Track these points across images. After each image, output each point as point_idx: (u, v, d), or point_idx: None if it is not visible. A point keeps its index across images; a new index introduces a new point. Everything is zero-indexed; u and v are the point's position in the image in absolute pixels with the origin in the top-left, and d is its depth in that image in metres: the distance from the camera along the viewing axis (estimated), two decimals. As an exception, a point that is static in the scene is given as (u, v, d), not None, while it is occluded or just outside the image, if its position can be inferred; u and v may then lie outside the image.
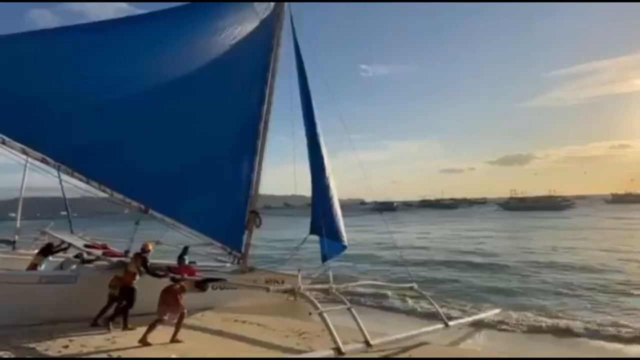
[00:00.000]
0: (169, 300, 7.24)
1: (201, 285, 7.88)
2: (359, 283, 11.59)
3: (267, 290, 8.35)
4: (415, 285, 10.61)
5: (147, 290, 7.43)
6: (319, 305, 7.48)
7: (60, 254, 10.06)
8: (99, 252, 9.51)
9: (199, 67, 9.27)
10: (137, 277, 7.88)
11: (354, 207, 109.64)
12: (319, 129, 10.68)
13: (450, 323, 8.89)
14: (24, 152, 7.47)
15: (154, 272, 7.92)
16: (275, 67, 10.47)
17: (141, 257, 7.99)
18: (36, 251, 9.83)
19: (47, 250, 9.55)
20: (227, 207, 9.97)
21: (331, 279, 9.37)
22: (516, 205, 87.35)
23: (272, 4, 10.62)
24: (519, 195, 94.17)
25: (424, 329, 8.58)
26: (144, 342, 6.87)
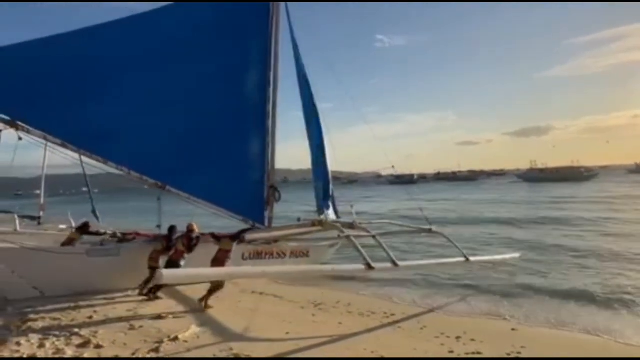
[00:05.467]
0: (217, 265, 7.79)
1: (238, 238, 8.54)
2: (379, 221, 12.20)
3: (298, 220, 9.96)
4: (434, 227, 11.05)
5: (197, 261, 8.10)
6: (345, 230, 8.56)
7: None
8: (133, 235, 10.24)
9: (202, 49, 9.81)
10: (186, 255, 8.29)
11: (370, 181, 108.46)
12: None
13: (471, 258, 9.51)
14: (45, 139, 8.57)
15: (194, 247, 8.45)
16: (277, 48, 10.83)
17: (188, 236, 8.45)
18: (74, 228, 10.46)
19: (84, 229, 10.03)
20: (243, 182, 10.46)
21: (354, 214, 10.34)
22: (536, 176, 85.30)
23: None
24: (539, 167, 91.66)
25: (445, 260, 9.51)
26: (206, 306, 7.72)
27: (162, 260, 8.38)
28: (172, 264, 8.12)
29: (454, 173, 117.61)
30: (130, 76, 9.11)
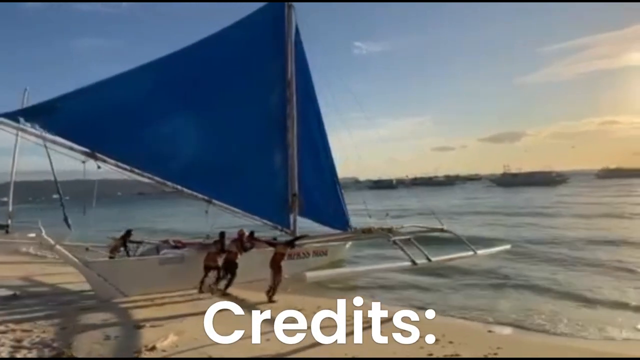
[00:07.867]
0: (275, 266, 9.22)
1: (292, 244, 10.06)
2: (410, 224, 14.22)
3: (354, 230, 12.47)
4: (445, 227, 12.88)
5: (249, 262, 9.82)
6: (389, 235, 10.29)
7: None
8: (179, 243, 11.57)
9: (231, 80, 11.32)
10: (239, 256, 9.77)
11: (350, 186, 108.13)
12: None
13: (478, 252, 10.93)
14: (117, 166, 9.94)
15: (248, 249, 10.03)
16: (292, 70, 12.16)
17: (240, 240, 10.03)
18: (119, 235, 11.60)
19: (127, 236, 11.29)
20: (270, 192, 12.06)
21: (390, 222, 12.56)
22: (510, 181, 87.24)
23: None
24: (513, 171, 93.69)
25: (458, 254, 10.79)
26: (270, 300, 8.94)
27: (220, 261, 9.75)
28: (230, 263, 9.64)
29: (430, 178, 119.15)
30: (180, 108, 10.59)
